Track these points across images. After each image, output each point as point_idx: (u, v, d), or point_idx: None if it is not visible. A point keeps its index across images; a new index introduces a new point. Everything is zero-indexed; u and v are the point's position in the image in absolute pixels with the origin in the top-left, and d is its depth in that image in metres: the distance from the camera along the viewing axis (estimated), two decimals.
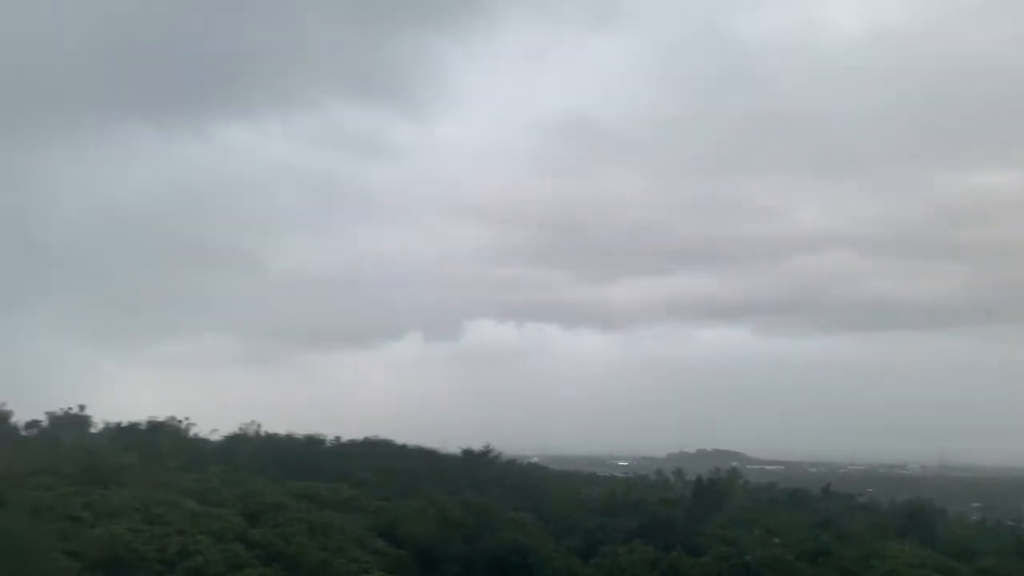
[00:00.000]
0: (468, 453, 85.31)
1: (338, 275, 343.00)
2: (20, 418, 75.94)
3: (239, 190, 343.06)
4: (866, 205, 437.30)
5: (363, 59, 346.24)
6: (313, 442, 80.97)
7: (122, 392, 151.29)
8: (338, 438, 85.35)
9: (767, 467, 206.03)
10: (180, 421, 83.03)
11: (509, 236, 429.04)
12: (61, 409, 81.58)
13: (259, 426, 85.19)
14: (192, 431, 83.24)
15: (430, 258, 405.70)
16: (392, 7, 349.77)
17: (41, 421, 79.01)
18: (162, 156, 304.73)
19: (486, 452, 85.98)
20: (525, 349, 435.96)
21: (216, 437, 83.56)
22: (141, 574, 36.54)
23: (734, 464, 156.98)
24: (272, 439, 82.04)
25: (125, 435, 75.99)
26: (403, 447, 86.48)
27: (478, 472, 78.68)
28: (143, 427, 78.07)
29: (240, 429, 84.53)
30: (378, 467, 73.01)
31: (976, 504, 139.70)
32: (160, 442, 74.62)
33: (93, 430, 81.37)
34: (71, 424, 79.84)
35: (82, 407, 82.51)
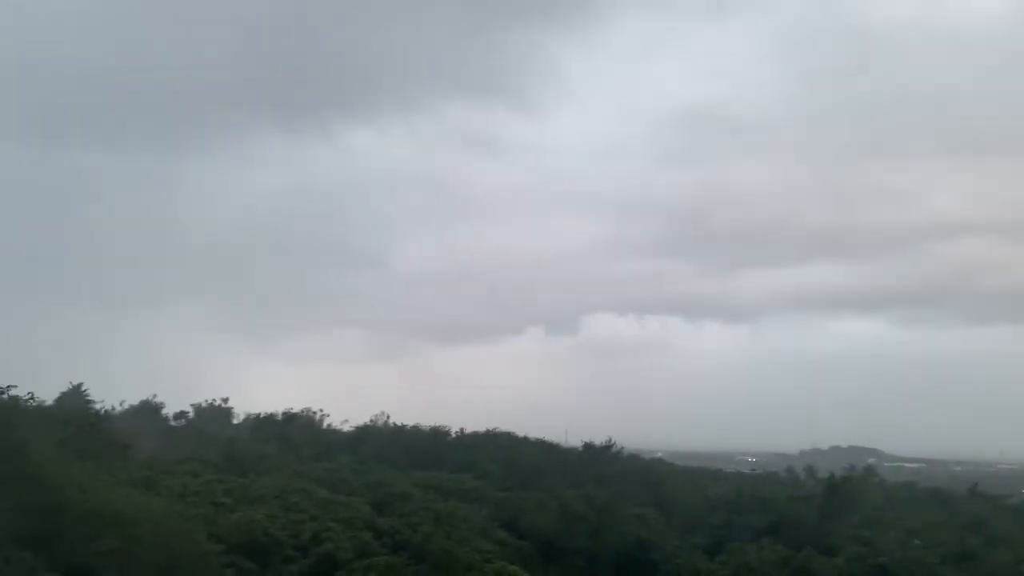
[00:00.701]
0: (589, 447, 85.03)
1: (460, 271, 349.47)
2: (169, 410, 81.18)
3: (364, 191, 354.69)
4: (1008, 188, 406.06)
5: (478, 61, 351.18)
6: (438, 434, 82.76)
7: (260, 385, 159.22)
8: (462, 430, 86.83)
9: (906, 465, 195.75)
10: (314, 413, 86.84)
11: (630, 229, 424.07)
12: (206, 401, 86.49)
13: (387, 418, 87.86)
14: (325, 422, 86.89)
15: (550, 253, 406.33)
16: (504, 9, 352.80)
17: (188, 412, 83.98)
18: (291, 160, 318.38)
19: (608, 446, 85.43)
20: (647, 342, 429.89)
21: (347, 428, 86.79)
22: (277, 558, 38.36)
23: (870, 461, 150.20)
24: (399, 430, 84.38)
25: (263, 426, 79.90)
26: (525, 439, 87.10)
27: (600, 466, 78.28)
28: (279, 418, 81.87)
29: (369, 420, 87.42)
30: (501, 459, 73.83)
31: None
32: (295, 433, 78.10)
33: (235, 421, 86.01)
34: (215, 415, 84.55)
35: (225, 399, 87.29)
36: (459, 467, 69.01)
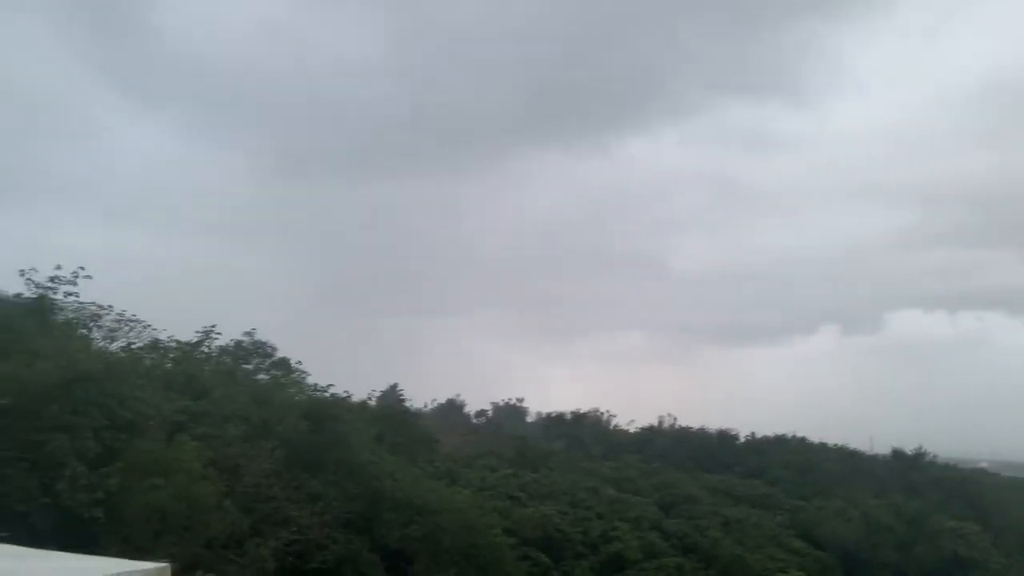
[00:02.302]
0: (898, 454, 78.54)
1: (741, 271, 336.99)
2: (471, 408, 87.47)
3: (639, 198, 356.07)
4: None
5: (751, 58, 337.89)
6: (726, 437, 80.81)
7: (550, 386, 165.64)
8: (752, 434, 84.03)
9: None
10: (601, 412, 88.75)
11: (932, 217, 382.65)
12: (502, 400, 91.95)
13: (674, 419, 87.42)
14: (611, 422, 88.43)
15: (841, 247, 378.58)
16: (779, 2, 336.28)
17: (487, 411, 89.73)
18: (567, 174, 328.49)
19: (920, 454, 78.41)
20: (962, 340, 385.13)
21: (633, 428, 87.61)
22: (568, 553, 39.75)
23: None
24: (685, 432, 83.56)
25: (553, 425, 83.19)
26: (821, 445, 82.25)
27: (909, 475, 71.98)
28: (568, 418, 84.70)
29: (655, 421, 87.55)
30: (794, 464, 70.43)
31: None
32: (583, 431, 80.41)
33: (528, 419, 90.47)
34: (510, 414, 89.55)
35: (519, 399, 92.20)
36: (748, 472, 66.94)
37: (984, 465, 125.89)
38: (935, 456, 79.91)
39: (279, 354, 39.15)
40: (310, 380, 38.27)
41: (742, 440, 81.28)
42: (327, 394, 37.46)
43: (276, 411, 31.19)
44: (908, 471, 74.51)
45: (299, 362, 38.93)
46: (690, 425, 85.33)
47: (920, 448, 79.02)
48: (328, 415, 32.43)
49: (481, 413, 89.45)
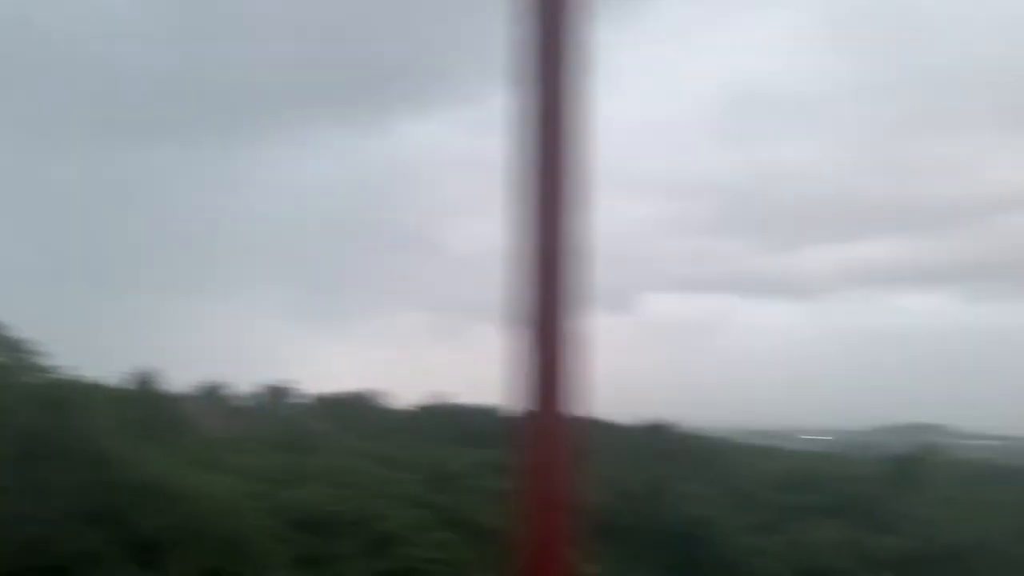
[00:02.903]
0: (647, 425, 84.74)
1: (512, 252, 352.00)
2: (235, 391, 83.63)
3: (419, 179, 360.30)
4: None
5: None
6: (493, 412, 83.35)
7: (324, 367, 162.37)
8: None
9: (978, 443, 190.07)
10: (374, 393, 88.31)
11: (684, 209, 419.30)
12: (269, 382, 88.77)
13: (446, 397, 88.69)
14: (385, 402, 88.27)
15: (601, 234, 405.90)
16: None
17: (253, 393, 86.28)
18: (352, 153, 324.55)
19: (665, 424, 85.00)
20: (706, 322, 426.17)
21: (408, 407, 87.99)
22: (333, 534, 39.39)
23: (939, 439, 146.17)
24: (459, 409, 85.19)
25: (326, 406, 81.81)
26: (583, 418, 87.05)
27: (657, 444, 78.07)
28: (339, 398, 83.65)
29: (428, 400, 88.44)
30: None
31: None
32: (356, 412, 79.80)
33: (297, 401, 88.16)
34: (278, 396, 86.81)
35: (288, 380, 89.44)
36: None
37: (721, 433, 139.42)
38: (681, 426, 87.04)
39: (14, 335, 35.31)
40: (52, 363, 34.91)
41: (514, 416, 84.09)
42: (69, 378, 34.35)
43: (7, 396, 28.25)
44: (656, 441, 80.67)
45: (37, 344, 35.31)
46: (465, 402, 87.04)
47: (666, 419, 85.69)
48: (69, 400, 29.83)
49: (246, 396, 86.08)
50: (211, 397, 77.34)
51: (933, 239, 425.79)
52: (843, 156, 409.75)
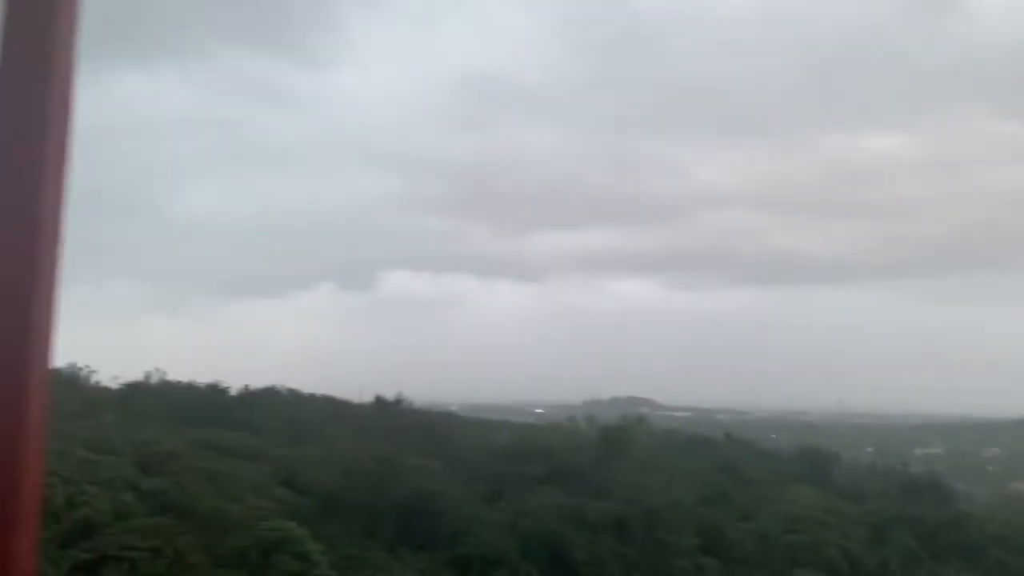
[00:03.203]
0: (379, 401, 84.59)
1: (246, 224, 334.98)
2: None
3: (134, 138, 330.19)
4: (766, 166, 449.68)
5: (257, 11, 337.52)
6: (216, 391, 78.67)
7: None
8: (246, 387, 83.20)
9: (676, 414, 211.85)
10: (79, 369, 79.76)
11: (422, 188, 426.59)
12: None
13: (162, 374, 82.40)
14: (91, 379, 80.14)
15: (341, 208, 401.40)
16: None
17: None
18: None
19: (397, 401, 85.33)
20: (441, 300, 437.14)
21: (116, 386, 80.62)
22: None
23: (644, 411, 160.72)
24: (173, 387, 79.48)
25: None
26: (311, 396, 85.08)
27: (388, 421, 78.12)
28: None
29: (141, 377, 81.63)
30: (283, 416, 71.70)
31: (870, 449, 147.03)
32: (55, 390, 71.39)
33: None
34: None
35: None
36: (238, 425, 66.14)
37: (454, 408, 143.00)
38: (412, 402, 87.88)
39: None
40: None
41: (234, 393, 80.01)
42: None
43: None
44: (387, 417, 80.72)
45: None
46: (179, 379, 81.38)
47: (399, 395, 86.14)
48: None
49: None
50: None
51: (645, 231, 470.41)
52: (571, 149, 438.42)
